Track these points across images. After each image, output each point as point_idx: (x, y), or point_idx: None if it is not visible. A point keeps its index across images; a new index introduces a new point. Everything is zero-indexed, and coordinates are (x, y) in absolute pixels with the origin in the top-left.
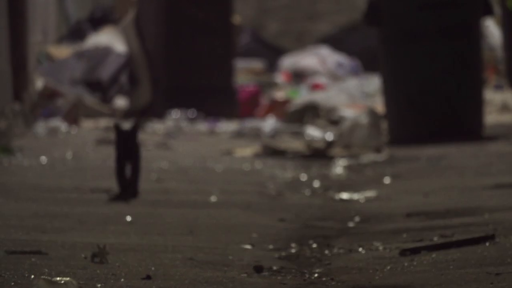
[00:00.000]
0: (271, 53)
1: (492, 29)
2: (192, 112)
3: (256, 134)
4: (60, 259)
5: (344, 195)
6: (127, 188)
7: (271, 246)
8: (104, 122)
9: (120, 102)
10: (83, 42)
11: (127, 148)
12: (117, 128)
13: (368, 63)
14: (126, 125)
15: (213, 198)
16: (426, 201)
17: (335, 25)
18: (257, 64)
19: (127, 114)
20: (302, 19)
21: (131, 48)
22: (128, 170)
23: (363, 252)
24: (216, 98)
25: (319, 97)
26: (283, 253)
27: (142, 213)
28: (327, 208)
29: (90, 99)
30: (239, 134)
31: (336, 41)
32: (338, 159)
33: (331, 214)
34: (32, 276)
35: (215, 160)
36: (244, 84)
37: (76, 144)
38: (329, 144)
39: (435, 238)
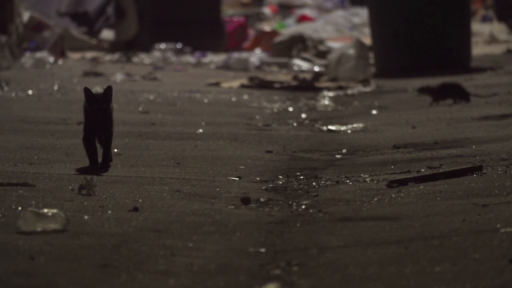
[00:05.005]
0: None
1: None
2: (179, 45)
3: (243, 66)
4: (47, 191)
5: (331, 127)
6: (96, 161)
7: (258, 178)
8: (90, 54)
9: (107, 34)
10: None
11: (98, 116)
12: (88, 93)
13: None
14: (98, 89)
15: (200, 130)
16: (413, 132)
17: None
18: None
19: (113, 46)
20: None
21: None
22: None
23: (350, 183)
24: (203, 30)
25: (306, 29)
26: (270, 185)
27: (129, 145)
28: (314, 140)
29: (77, 31)
30: (226, 66)
31: None
32: (325, 91)
33: (318, 146)
34: (20, 208)
35: (202, 92)
36: (231, 16)
37: (63, 76)
38: (316, 76)
39: (423, 170)
